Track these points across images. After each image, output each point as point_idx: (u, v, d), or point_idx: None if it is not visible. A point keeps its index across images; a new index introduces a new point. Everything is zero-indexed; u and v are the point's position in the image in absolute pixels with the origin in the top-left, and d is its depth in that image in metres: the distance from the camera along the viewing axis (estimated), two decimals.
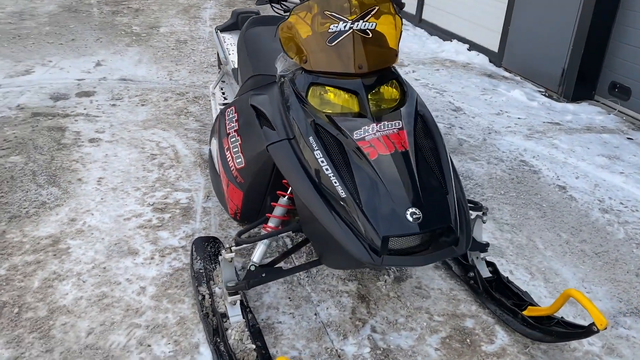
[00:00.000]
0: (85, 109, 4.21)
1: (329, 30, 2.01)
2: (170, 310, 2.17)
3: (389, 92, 2.09)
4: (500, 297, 2.26)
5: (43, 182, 3.07)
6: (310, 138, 1.86)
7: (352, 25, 2.00)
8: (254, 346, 1.94)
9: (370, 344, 2.07)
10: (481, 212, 2.33)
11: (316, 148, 1.83)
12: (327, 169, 1.79)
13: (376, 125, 1.86)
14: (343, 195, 1.74)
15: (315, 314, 2.21)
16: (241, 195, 2.24)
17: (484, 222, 2.35)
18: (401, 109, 1.98)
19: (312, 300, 2.28)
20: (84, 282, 2.29)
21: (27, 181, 3.07)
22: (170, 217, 2.81)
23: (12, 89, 4.55)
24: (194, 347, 2.00)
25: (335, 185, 1.76)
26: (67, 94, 4.50)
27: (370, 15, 2.06)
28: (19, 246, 2.49)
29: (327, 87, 2.00)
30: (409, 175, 1.78)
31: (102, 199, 2.94)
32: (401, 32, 2.20)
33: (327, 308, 2.24)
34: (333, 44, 1.99)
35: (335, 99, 2.00)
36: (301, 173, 1.87)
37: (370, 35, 2.01)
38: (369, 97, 1.98)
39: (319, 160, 1.82)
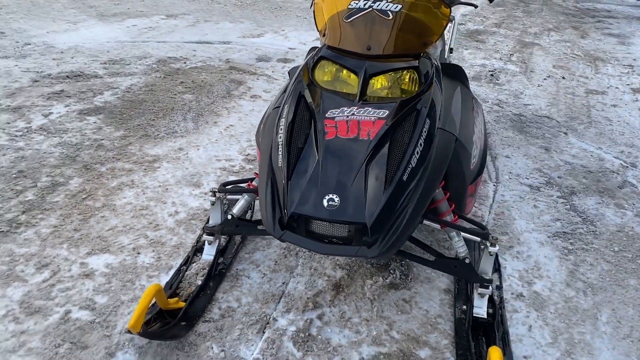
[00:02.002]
0: (273, 72, 4.87)
1: (349, 7, 2.02)
2: (178, 235, 2.54)
3: (398, 80, 1.95)
4: (476, 345, 1.91)
5: (188, 118, 3.80)
6: (286, 107, 1.94)
7: (372, 4, 1.96)
8: (200, 282, 2.16)
9: (303, 325, 2.04)
10: (488, 242, 1.98)
11: (284, 117, 1.91)
12: (280, 138, 1.86)
13: (356, 109, 1.82)
14: (279, 165, 1.80)
15: (284, 283, 2.27)
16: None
17: (491, 255, 1.99)
18: (399, 100, 1.85)
19: (293, 272, 2.34)
20: (143, 194, 2.85)
21: (179, 114, 3.85)
22: (250, 168, 3.17)
23: (236, 46, 5.57)
24: (166, 268, 2.32)
25: (279, 154, 1.83)
26: (271, 57, 5.26)
27: None
28: (128, 156, 3.22)
29: (332, 63, 2.02)
30: (353, 163, 1.71)
31: (216, 140, 3.49)
32: (446, 23, 2.03)
33: (298, 283, 2.27)
34: (348, 20, 1.99)
35: (333, 75, 2.01)
36: (267, 139, 1.98)
37: (391, 17, 1.93)
38: (371, 81, 1.91)
39: (280, 128, 1.90)
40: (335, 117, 1.81)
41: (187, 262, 2.27)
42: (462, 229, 2.00)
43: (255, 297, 2.18)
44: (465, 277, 2.05)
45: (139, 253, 2.39)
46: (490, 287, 2.02)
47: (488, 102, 4.44)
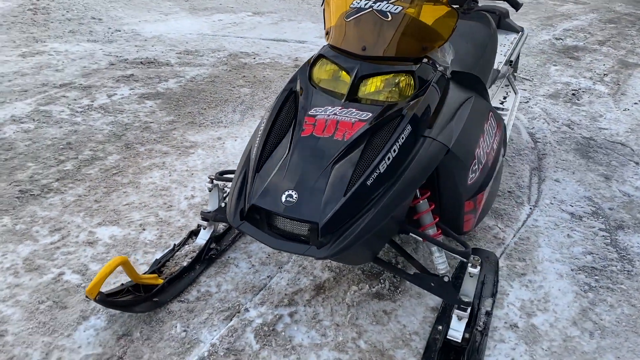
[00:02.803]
0: None
1: (351, 6, 2.02)
2: (186, 218, 2.65)
3: (391, 83, 1.90)
4: None
5: (237, 110, 3.95)
6: (275, 103, 1.99)
7: (372, 5, 1.95)
8: (185, 264, 2.25)
9: (271, 320, 2.05)
10: (469, 263, 1.88)
11: (269, 112, 1.96)
12: (261, 130, 1.91)
13: (340, 109, 1.82)
14: (253, 156, 1.85)
15: (269, 277, 2.30)
16: None
17: (471, 276, 1.88)
18: (387, 104, 1.81)
19: (282, 267, 2.35)
20: (169, 176, 3.01)
21: (230, 106, 4.01)
22: None
23: (309, 45, 5.69)
24: (164, 247, 2.44)
25: (255, 146, 1.87)
26: None
27: None
28: (169, 140, 3.42)
29: (330, 62, 2.02)
30: (321, 163, 1.70)
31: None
32: (453, 28, 1.96)
33: (282, 278, 2.28)
34: (348, 20, 1.99)
35: (330, 74, 2.01)
36: (255, 132, 2.03)
37: (390, 18, 1.90)
38: (363, 82, 1.89)
39: (263, 122, 1.94)
40: (317, 115, 1.81)
41: (182, 243, 2.36)
42: (442, 244, 1.90)
43: (235, 286, 2.22)
44: (441, 296, 1.94)
45: (144, 229, 2.53)
46: (468, 311, 1.90)
47: (558, 122, 4.16)
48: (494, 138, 2.19)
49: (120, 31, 5.73)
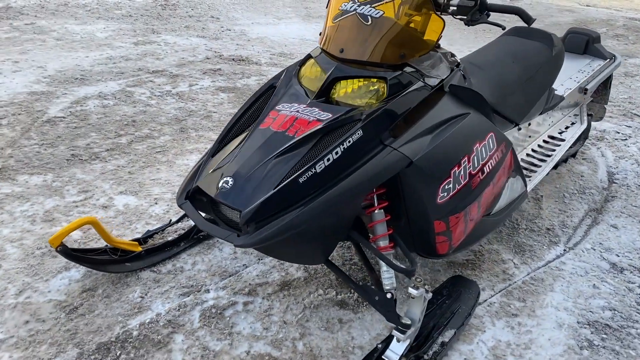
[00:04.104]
0: None
1: (340, 8, 2.05)
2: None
3: (362, 88, 1.89)
4: None
5: None
6: (253, 95, 2.09)
7: (357, 8, 1.96)
8: (170, 239, 2.40)
9: (223, 304, 2.11)
10: (411, 283, 1.79)
11: (245, 103, 2.06)
12: (231, 119, 2.02)
13: (304, 107, 1.86)
14: (214, 141, 1.97)
15: (245, 265, 2.36)
16: None
17: (412, 297, 1.79)
18: (350, 107, 1.80)
19: (261, 259, 2.41)
20: None
21: None
22: None
23: None
24: (166, 220, 2.62)
25: (221, 133, 1.99)
26: None
27: (382, 3, 1.91)
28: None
29: (315, 62, 2.07)
30: (264, 155, 1.76)
31: None
32: (439, 36, 1.91)
33: (256, 269, 2.33)
34: (334, 22, 2.03)
35: (313, 74, 2.05)
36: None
37: (370, 22, 1.90)
38: (336, 84, 1.90)
39: (239, 112, 2.05)
40: (281, 110, 1.85)
41: (178, 220, 2.53)
42: (383, 257, 1.82)
43: (208, 267, 2.32)
44: (382, 312, 1.86)
45: (156, 203, 2.74)
46: (408, 334, 1.80)
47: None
48: (487, 160, 2.04)
49: (230, 30, 6.19)
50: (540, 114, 2.87)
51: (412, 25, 1.88)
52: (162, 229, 2.45)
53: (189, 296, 2.14)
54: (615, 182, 3.37)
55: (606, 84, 3.62)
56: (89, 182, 2.87)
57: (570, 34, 3.57)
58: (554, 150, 2.93)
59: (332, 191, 1.64)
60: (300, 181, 1.63)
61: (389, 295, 1.84)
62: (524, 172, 2.75)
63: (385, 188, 1.91)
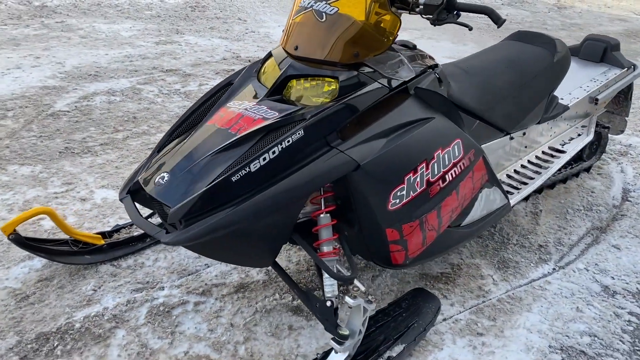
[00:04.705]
0: None
1: (299, 5, 2.02)
2: None
3: (312, 87, 1.84)
4: None
5: None
6: (208, 91, 2.08)
7: (313, 4, 1.92)
8: (136, 234, 2.41)
9: (173, 302, 2.09)
10: (349, 292, 1.72)
11: (201, 98, 2.05)
12: (183, 114, 2.02)
13: (253, 104, 1.83)
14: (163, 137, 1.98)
15: (207, 265, 2.33)
16: None
17: (350, 307, 1.72)
18: (299, 106, 1.76)
19: None
20: None
21: None
22: None
23: None
24: None
25: (171, 127, 1.99)
26: None
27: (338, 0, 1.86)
28: None
29: (273, 59, 2.04)
30: (202, 151, 1.73)
31: None
32: (394, 36, 1.85)
33: (217, 269, 2.30)
34: (293, 18, 2.00)
35: (269, 72, 2.02)
36: None
37: (324, 19, 1.86)
38: (290, 82, 1.87)
39: (192, 106, 2.04)
40: (231, 107, 1.83)
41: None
42: (321, 263, 1.76)
43: (169, 265, 2.31)
44: (320, 321, 1.79)
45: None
46: (345, 345, 1.73)
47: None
48: (450, 168, 1.94)
49: (254, 32, 6.23)
50: (539, 123, 2.72)
51: (367, 23, 1.81)
52: (130, 224, 2.46)
53: (141, 292, 2.14)
54: (629, 200, 3.16)
55: (627, 95, 3.41)
56: (74, 175, 2.93)
57: (587, 40, 3.39)
58: (551, 162, 2.77)
59: (268, 192, 1.59)
60: (233, 180, 1.58)
61: (328, 303, 1.77)
62: (516, 183, 2.61)
63: (333, 191, 1.85)
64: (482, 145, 2.42)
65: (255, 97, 1.84)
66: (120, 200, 1.82)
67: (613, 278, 2.45)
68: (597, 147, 3.43)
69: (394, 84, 1.87)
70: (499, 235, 2.71)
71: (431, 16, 1.92)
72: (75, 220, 2.55)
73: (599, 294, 2.34)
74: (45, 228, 2.47)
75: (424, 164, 1.85)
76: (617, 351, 2.03)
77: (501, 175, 2.65)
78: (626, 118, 3.50)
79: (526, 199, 3.01)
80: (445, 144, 1.93)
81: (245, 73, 2.03)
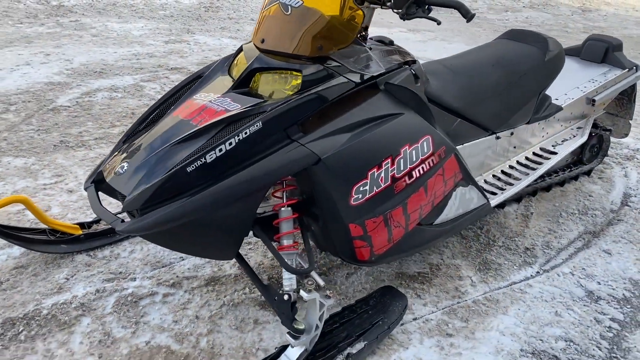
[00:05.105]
0: None
1: None
2: None
3: (277, 80, 1.85)
4: None
5: None
6: (178, 83, 2.10)
7: None
8: (107, 226, 2.43)
9: (142, 293, 2.11)
10: (304, 286, 1.72)
11: (171, 90, 2.08)
12: (152, 105, 2.05)
13: (218, 97, 1.84)
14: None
15: (181, 258, 2.35)
16: None
17: (304, 300, 1.72)
18: (262, 99, 1.75)
19: None
20: None
21: None
22: None
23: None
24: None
25: (139, 118, 2.02)
26: None
27: None
28: None
29: (243, 52, 2.05)
30: (162, 142, 1.75)
31: None
32: (357, 31, 1.84)
33: (189, 263, 2.31)
34: (263, 11, 2.01)
35: (239, 65, 2.03)
36: None
37: (289, 12, 1.86)
38: (256, 75, 1.88)
39: (162, 98, 2.07)
40: (196, 99, 1.85)
41: None
42: (279, 257, 1.75)
43: (144, 257, 2.34)
44: (278, 314, 1.78)
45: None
46: (301, 340, 1.72)
47: None
48: (417, 165, 1.92)
49: None
50: (528, 123, 2.67)
51: (332, 16, 1.81)
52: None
53: (112, 282, 2.16)
54: (628, 205, 3.07)
55: (631, 97, 3.33)
56: (65, 167, 2.99)
57: (589, 40, 3.32)
58: (540, 163, 2.71)
59: (224, 183, 1.60)
60: (189, 170, 1.59)
61: (286, 297, 1.77)
62: (501, 183, 2.57)
63: (295, 185, 1.85)
64: (465, 144, 2.40)
65: (222, 89, 1.86)
66: (85, 189, 1.85)
67: (599, 283, 2.38)
68: (598, 150, 3.35)
69: (361, 78, 1.86)
70: (485, 237, 2.66)
71: (401, 10, 1.91)
72: (60, 211, 2.60)
73: (581, 298, 2.28)
74: (29, 217, 2.52)
75: (389, 160, 1.84)
76: (592, 357, 1.97)
77: (487, 175, 2.61)
78: (630, 121, 3.41)
79: (518, 200, 2.97)
80: (413, 140, 1.91)
81: (217, 66, 2.05)
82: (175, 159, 1.63)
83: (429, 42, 6.51)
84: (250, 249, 2.43)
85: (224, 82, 1.91)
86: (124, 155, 1.77)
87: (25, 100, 3.85)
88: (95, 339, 1.90)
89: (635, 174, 3.46)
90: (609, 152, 3.73)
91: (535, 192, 3.03)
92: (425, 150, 1.94)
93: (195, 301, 2.10)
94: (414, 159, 1.91)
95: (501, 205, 2.87)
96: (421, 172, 1.93)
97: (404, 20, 1.93)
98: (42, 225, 2.31)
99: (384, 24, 7.30)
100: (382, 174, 1.82)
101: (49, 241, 2.26)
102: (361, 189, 1.78)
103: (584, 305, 2.23)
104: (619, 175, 3.43)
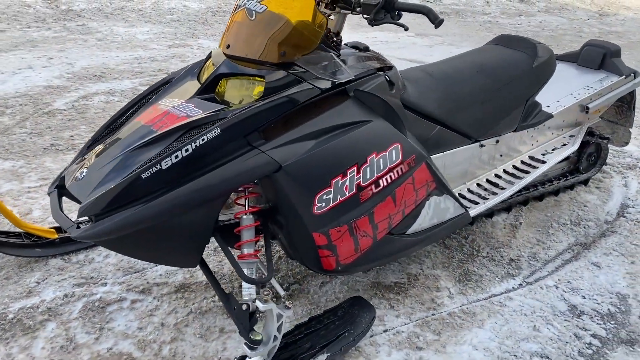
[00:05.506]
0: None
1: (236, 3, 2.02)
2: None
3: (240, 86, 1.84)
4: None
5: None
6: (148, 88, 2.11)
7: (246, 1, 1.92)
8: None
9: (111, 299, 2.11)
10: (270, 303, 1.71)
11: (139, 95, 2.08)
12: (119, 110, 2.05)
13: (182, 102, 1.83)
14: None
15: (154, 264, 2.36)
16: None
17: (260, 311, 1.70)
18: (223, 109, 1.71)
19: None
20: None
21: None
22: None
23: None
24: None
25: (105, 123, 2.03)
26: None
27: None
28: None
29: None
30: (122, 148, 1.75)
31: None
32: (320, 37, 1.80)
33: (162, 269, 2.30)
34: (231, 16, 2.00)
35: (207, 70, 2.03)
36: None
37: (253, 17, 1.85)
38: (222, 80, 1.87)
39: (129, 103, 2.07)
40: (161, 104, 1.85)
41: None
42: (235, 265, 1.73)
43: (117, 262, 2.34)
44: (237, 325, 1.76)
45: None
46: (257, 350, 1.70)
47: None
48: (385, 173, 1.88)
49: None
50: (515, 131, 2.62)
51: (296, 22, 1.78)
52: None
53: (82, 287, 2.16)
54: (624, 216, 2.98)
55: (630, 105, 3.24)
56: (52, 171, 3.01)
57: (586, 46, 3.24)
58: (528, 172, 2.65)
59: (180, 190, 1.58)
60: (144, 177, 1.58)
61: (244, 307, 1.74)
62: (484, 192, 2.51)
63: (258, 193, 1.83)
64: (445, 152, 2.35)
65: (187, 95, 1.85)
66: (48, 194, 1.86)
67: (584, 297, 2.31)
68: (596, 158, 3.27)
69: (328, 85, 1.83)
70: (469, 247, 2.61)
71: (369, 16, 1.88)
72: (40, 214, 2.62)
73: (563, 313, 2.21)
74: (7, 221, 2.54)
75: (354, 168, 1.81)
76: None
77: (472, 184, 2.56)
78: (630, 129, 3.32)
79: (508, 210, 2.90)
80: (382, 148, 1.88)
81: (188, 71, 2.04)
82: (132, 165, 1.62)
83: (435, 46, 6.44)
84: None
85: (191, 87, 1.90)
86: (85, 160, 1.77)
87: (22, 103, 3.90)
88: (58, 344, 1.90)
89: (635, 184, 3.36)
90: (610, 161, 3.64)
91: (526, 202, 2.96)
92: (394, 159, 1.91)
93: (163, 308, 2.09)
94: (382, 167, 1.87)
95: (489, 215, 2.81)
96: (389, 180, 1.90)
97: (372, 25, 1.90)
98: (19, 229, 2.33)
99: (390, 28, 7.26)
100: (347, 183, 1.79)
101: (23, 245, 2.28)
102: (324, 197, 1.75)
103: (565, 320, 2.17)
104: (619, 185, 3.34)
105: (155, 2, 7.00)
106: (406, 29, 1.90)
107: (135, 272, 2.28)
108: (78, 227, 1.66)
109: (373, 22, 1.89)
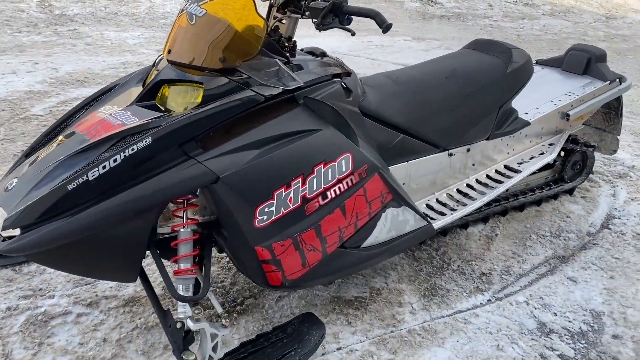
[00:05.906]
0: None
1: (180, 7, 1.97)
2: None
3: (180, 93, 1.77)
4: None
5: None
6: (91, 95, 2.05)
7: (188, 6, 1.86)
8: None
9: (56, 312, 2.04)
10: (203, 322, 1.64)
11: (81, 102, 2.02)
12: (60, 117, 2.00)
13: (120, 110, 1.78)
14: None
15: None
16: None
17: (195, 333, 1.63)
18: (158, 117, 1.65)
19: None
20: None
21: None
22: None
23: None
24: None
25: (45, 131, 1.97)
26: None
27: (207, 2, 1.76)
28: None
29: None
30: (54, 158, 1.66)
31: None
32: (261, 42, 1.72)
33: (113, 282, 2.25)
34: (175, 20, 1.95)
35: (152, 75, 1.97)
36: None
37: (193, 22, 1.79)
38: (165, 86, 1.81)
39: (71, 110, 2.01)
40: (100, 112, 1.80)
41: None
42: (166, 280, 1.67)
43: (69, 274, 2.27)
44: (171, 343, 1.69)
45: None
46: None
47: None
48: (333, 184, 1.80)
49: None
50: (488, 139, 2.52)
51: (235, 26, 1.72)
52: None
53: (28, 299, 2.11)
54: (608, 228, 2.87)
55: (617, 112, 3.13)
56: None
57: (571, 51, 3.14)
58: (501, 182, 2.55)
59: (110, 201, 1.52)
60: (69, 188, 1.51)
61: (178, 325, 1.67)
62: (454, 203, 2.42)
63: (198, 205, 1.76)
64: (411, 161, 2.27)
65: (127, 101, 1.79)
66: None
67: (555, 314, 2.21)
68: (581, 167, 3.16)
69: (273, 92, 1.76)
70: (440, 260, 2.51)
71: (316, 20, 1.81)
72: None
73: (530, 331, 2.11)
74: None
75: (299, 179, 1.73)
76: None
77: (441, 194, 2.47)
78: (618, 137, 3.21)
79: (485, 221, 2.81)
80: (330, 158, 1.80)
81: (134, 76, 1.99)
82: (61, 175, 1.56)
83: (432, 50, 6.34)
84: None
85: (134, 93, 1.84)
86: (18, 170, 1.71)
87: (0, 108, 3.88)
88: None
89: (624, 194, 3.25)
90: (600, 169, 3.53)
91: (505, 212, 2.86)
92: (344, 169, 1.83)
93: (109, 322, 2.02)
94: (330, 179, 1.79)
95: (464, 226, 2.72)
96: (337, 192, 1.82)
97: (319, 30, 1.83)
98: None
99: (390, 32, 7.17)
100: (292, 194, 1.72)
101: None
102: (266, 210, 1.67)
103: (532, 339, 2.07)
104: (606, 195, 3.23)
105: (150, 6, 6.98)
106: (353, 34, 1.83)
107: (85, 284, 2.21)
108: (4, 241, 1.60)
109: (320, 26, 1.82)
